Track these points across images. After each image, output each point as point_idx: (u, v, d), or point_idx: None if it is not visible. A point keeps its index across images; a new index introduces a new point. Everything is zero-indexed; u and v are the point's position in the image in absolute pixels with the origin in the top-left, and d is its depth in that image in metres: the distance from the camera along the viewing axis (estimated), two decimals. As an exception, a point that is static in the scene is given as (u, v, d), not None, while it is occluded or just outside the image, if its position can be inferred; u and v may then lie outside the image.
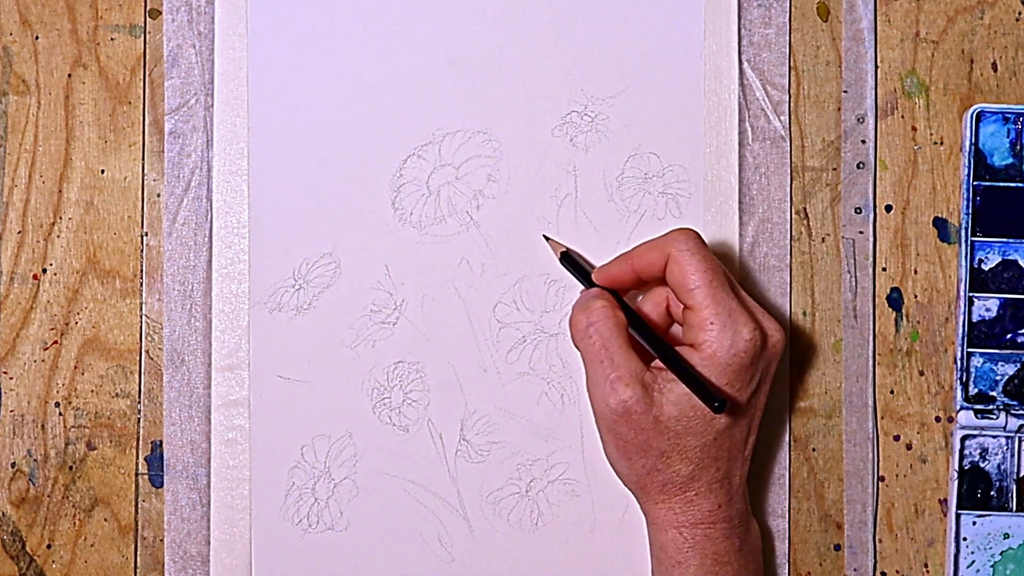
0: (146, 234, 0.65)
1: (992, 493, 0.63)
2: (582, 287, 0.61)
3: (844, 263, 0.64)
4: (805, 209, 0.64)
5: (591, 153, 0.64)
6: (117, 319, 0.65)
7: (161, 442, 0.64)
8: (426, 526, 0.63)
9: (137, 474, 0.64)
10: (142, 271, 0.65)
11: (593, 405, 0.57)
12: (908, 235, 0.64)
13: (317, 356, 0.63)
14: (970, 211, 0.63)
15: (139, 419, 0.65)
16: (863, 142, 0.64)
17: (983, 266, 0.64)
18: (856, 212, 0.64)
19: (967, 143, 0.64)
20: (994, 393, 0.64)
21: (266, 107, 0.64)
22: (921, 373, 0.64)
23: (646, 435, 0.56)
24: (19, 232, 0.65)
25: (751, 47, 0.64)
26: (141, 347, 0.65)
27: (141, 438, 0.64)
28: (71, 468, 0.64)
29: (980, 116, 0.64)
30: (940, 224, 0.64)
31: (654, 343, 0.57)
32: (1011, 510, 0.63)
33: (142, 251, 0.65)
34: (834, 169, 0.64)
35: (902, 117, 0.65)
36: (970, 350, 0.64)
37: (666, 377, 0.56)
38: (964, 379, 0.63)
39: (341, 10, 0.65)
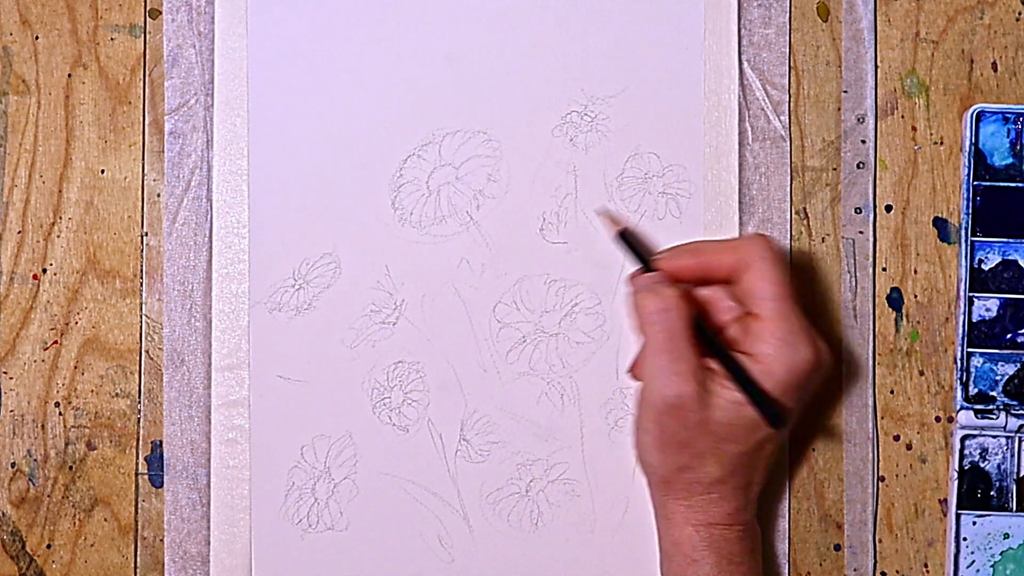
0: (146, 234, 0.65)
1: (992, 493, 0.63)
2: (632, 268, 0.60)
3: (844, 263, 0.64)
4: (805, 209, 0.64)
5: (591, 153, 0.64)
6: (117, 319, 0.65)
7: (161, 442, 0.64)
8: (426, 526, 0.63)
9: (137, 474, 0.64)
10: (142, 271, 0.65)
11: (645, 391, 0.57)
12: (908, 235, 0.64)
13: (317, 356, 0.63)
14: (970, 211, 0.63)
15: (139, 419, 0.65)
16: (863, 142, 0.64)
17: (983, 266, 0.64)
18: (856, 212, 0.64)
19: (967, 143, 0.64)
20: (994, 393, 0.64)
21: (266, 107, 0.64)
22: (921, 373, 0.64)
23: (690, 433, 0.56)
24: (19, 232, 0.65)
25: (751, 47, 0.64)
26: (141, 347, 0.65)
27: (141, 438, 0.64)
28: (71, 468, 0.64)
29: (980, 116, 0.64)
30: (940, 224, 0.64)
31: (716, 346, 0.57)
32: (1011, 510, 0.63)
33: (142, 251, 0.65)
34: (834, 169, 0.64)
35: (902, 117, 0.65)
36: (970, 350, 0.64)
37: (721, 381, 0.56)
38: (964, 379, 0.63)
39: (341, 10, 0.65)
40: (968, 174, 0.64)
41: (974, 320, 0.64)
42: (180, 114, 0.65)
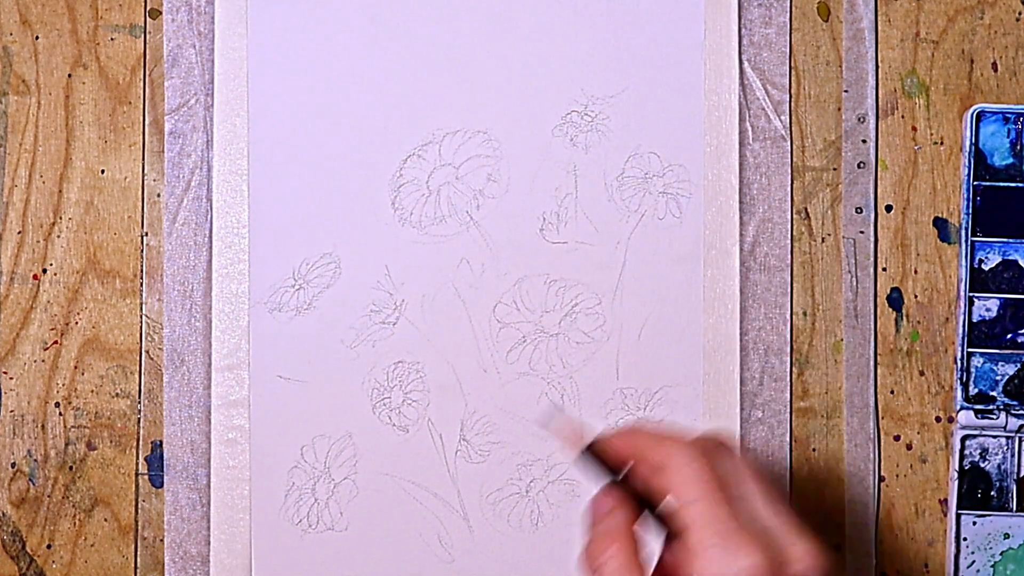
0: (146, 234, 0.66)
1: (992, 493, 0.64)
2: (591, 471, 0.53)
3: (845, 263, 0.64)
4: (806, 209, 0.64)
5: (591, 153, 0.64)
6: (117, 319, 0.65)
7: (161, 442, 0.65)
8: (426, 526, 0.63)
9: (137, 474, 0.64)
10: (142, 271, 0.66)
11: None
12: (908, 235, 0.65)
13: (317, 356, 0.63)
14: (970, 211, 0.64)
15: (139, 419, 0.65)
16: (863, 142, 0.64)
17: (983, 266, 0.64)
18: (857, 212, 0.64)
19: (967, 143, 0.64)
20: (994, 393, 0.64)
21: (266, 107, 0.64)
22: (921, 373, 0.64)
23: None
24: (19, 232, 0.65)
25: (751, 47, 0.64)
26: (141, 347, 0.65)
27: (141, 438, 0.65)
28: (71, 468, 0.65)
29: (980, 116, 0.64)
30: (940, 224, 0.65)
31: None
32: (1011, 510, 0.63)
33: (142, 251, 0.66)
34: (835, 169, 0.64)
35: (902, 117, 0.65)
36: (970, 350, 0.64)
37: None
38: (964, 379, 0.64)
39: (341, 10, 0.65)
40: (968, 174, 0.64)
41: (974, 320, 0.64)
42: (180, 114, 0.65)
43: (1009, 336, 0.64)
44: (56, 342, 0.65)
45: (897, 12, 0.65)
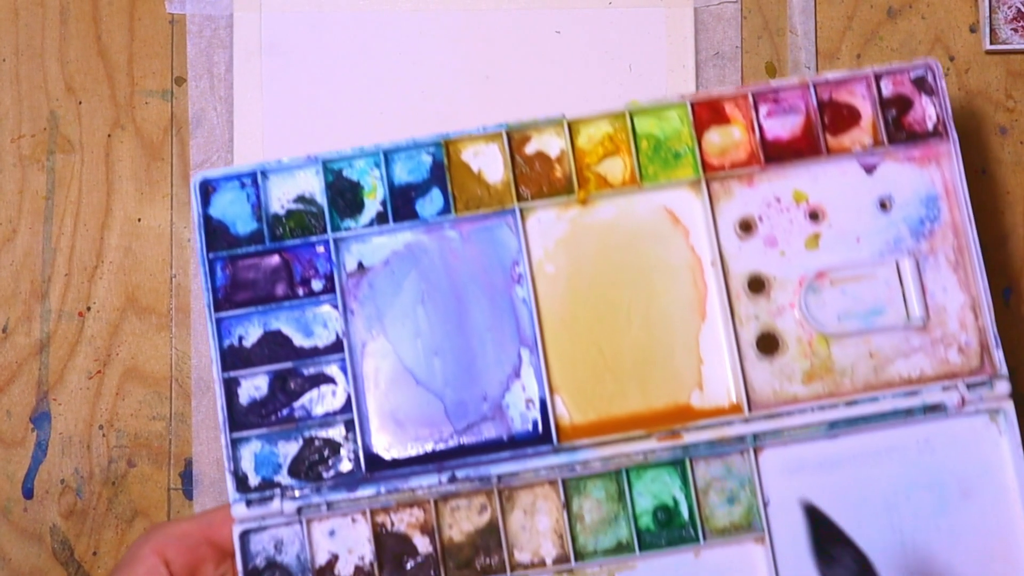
0: (175, 275, 0.67)
1: None
2: None
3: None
4: None
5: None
6: (153, 350, 0.67)
7: (191, 460, 0.66)
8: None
9: (171, 488, 0.66)
10: (172, 308, 0.67)
11: None
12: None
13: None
14: (210, 287, 0.56)
15: (171, 439, 0.66)
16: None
17: (244, 343, 0.56)
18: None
19: (196, 215, 0.56)
20: (278, 478, 0.55)
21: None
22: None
23: None
24: (66, 274, 0.67)
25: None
26: (171, 375, 0.66)
27: (174, 456, 0.66)
28: (113, 483, 0.66)
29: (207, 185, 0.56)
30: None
31: None
32: None
33: (172, 290, 0.67)
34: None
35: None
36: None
37: None
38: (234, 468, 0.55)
39: (350, 75, 0.67)
40: (202, 247, 0.56)
41: (244, 403, 0.56)
42: (204, 169, 0.66)
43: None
44: (99, 372, 0.66)
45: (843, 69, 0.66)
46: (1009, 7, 0.67)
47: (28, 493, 0.66)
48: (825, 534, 0.51)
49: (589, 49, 0.67)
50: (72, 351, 0.67)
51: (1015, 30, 0.68)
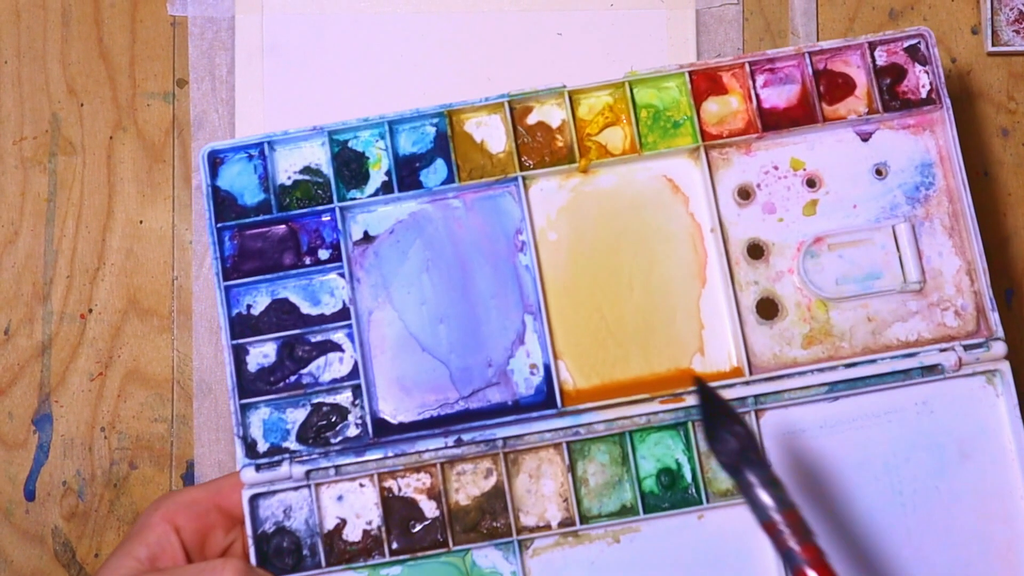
0: (177, 277, 0.67)
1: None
2: None
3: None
4: None
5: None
6: (154, 353, 0.67)
7: (193, 462, 0.66)
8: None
9: (172, 490, 0.65)
10: (174, 310, 0.67)
11: None
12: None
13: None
14: (218, 256, 0.57)
15: (173, 441, 0.66)
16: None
17: (253, 311, 0.57)
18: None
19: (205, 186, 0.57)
20: (287, 443, 0.56)
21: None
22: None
23: None
24: (68, 276, 0.67)
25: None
26: (173, 378, 0.67)
27: (175, 458, 0.66)
28: (115, 485, 0.66)
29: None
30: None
31: None
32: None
33: (173, 292, 0.67)
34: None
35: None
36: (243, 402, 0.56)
37: None
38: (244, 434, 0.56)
39: (352, 78, 0.67)
40: (211, 217, 0.57)
41: (253, 370, 0.57)
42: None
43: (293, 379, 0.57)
44: (101, 374, 0.67)
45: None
46: (1011, 9, 0.68)
47: (30, 495, 0.66)
48: (712, 411, 0.51)
49: (591, 51, 0.68)
50: (74, 353, 0.67)
51: (1017, 32, 0.68)
